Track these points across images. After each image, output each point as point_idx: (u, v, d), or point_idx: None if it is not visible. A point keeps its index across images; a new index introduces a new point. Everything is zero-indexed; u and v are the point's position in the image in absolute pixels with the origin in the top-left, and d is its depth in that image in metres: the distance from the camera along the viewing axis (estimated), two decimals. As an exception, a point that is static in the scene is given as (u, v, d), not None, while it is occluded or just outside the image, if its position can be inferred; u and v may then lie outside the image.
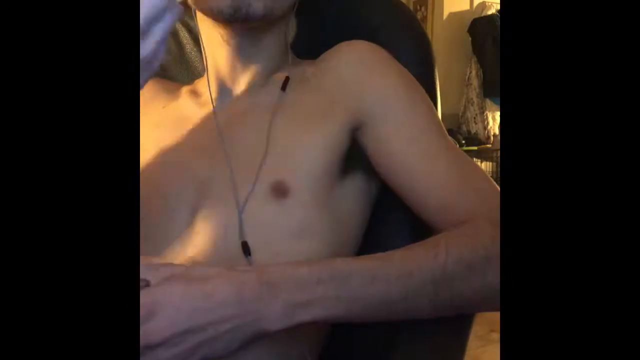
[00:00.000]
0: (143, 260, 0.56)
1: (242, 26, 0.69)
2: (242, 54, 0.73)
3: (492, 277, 0.58)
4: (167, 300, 0.53)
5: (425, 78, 0.77)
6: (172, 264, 0.58)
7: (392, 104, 0.69)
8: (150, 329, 0.52)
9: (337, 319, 0.58)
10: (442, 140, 0.69)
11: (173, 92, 0.79)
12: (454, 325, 0.64)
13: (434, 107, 0.74)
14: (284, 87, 0.72)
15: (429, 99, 0.72)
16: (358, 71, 0.70)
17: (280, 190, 0.64)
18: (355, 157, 0.69)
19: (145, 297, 0.53)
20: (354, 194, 0.70)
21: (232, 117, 0.72)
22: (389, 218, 0.76)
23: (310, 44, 0.81)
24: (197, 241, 0.65)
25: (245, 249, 0.62)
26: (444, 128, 0.71)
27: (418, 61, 0.79)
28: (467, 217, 0.63)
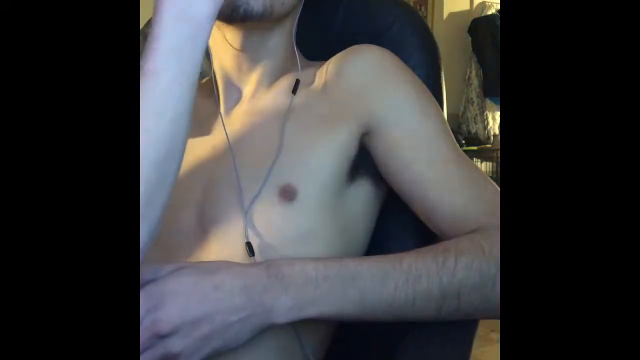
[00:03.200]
0: (147, 266, 0.56)
1: (243, 26, 0.69)
2: (247, 55, 0.73)
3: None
4: (177, 290, 0.54)
5: (431, 80, 0.77)
6: (177, 263, 0.58)
7: (403, 110, 0.68)
8: (159, 318, 0.53)
9: (343, 317, 0.58)
10: (452, 148, 0.68)
11: None
12: (460, 329, 0.63)
13: (443, 114, 0.74)
14: (294, 91, 0.71)
15: (438, 105, 0.72)
16: (369, 76, 0.69)
17: (287, 193, 0.64)
18: (363, 162, 0.69)
19: (155, 288, 0.54)
20: (361, 200, 0.70)
21: (239, 119, 0.72)
22: (395, 223, 0.76)
23: (318, 46, 0.80)
24: (202, 242, 0.65)
25: (250, 249, 0.62)
26: (452, 134, 0.71)
27: (425, 63, 0.79)
28: (478, 226, 0.63)
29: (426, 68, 0.78)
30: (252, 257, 0.62)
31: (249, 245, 0.62)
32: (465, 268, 0.58)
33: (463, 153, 0.69)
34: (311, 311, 0.56)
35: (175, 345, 0.53)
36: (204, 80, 0.82)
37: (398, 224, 0.76)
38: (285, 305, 0.56)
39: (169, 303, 0.53)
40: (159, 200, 0.54)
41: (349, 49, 0.72)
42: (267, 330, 0.57)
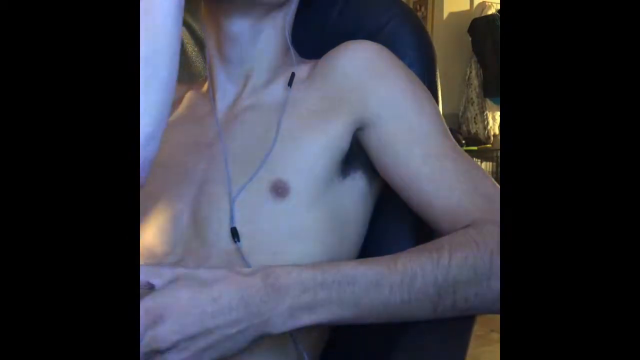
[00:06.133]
0: (144, 266, 0.56)
1: (233, 9, 0.69)
2: (242, 50, 0.73)
3: (496, 280, 0.58)
4: (175, 304, 0.54)
5: (427, 78, 0.77)
6: (173, 267, 0.58)
7: (397, 105, 0.68)
8: (159, 334, 0.53)
9: (340, 322, 0.58)
10: (448, 142, 0.68)
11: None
12: (457, 326, 0.63)
13: (439, 109, 0.74)
14: (290, 83, 0.71)
15: (433, 100, 0.72)
16: (364, 71, 0.69)
17: (280, 189, 0.64)
18: (356, 157, 0.69)
19: (153, 302, 0.54)
20: (354, 195, 0.70)
21: (234, 115, 0.72)
22: (391, 219, 0.76)
23: (313, 44, 0.80)
24: (195, 236, 0.66)
25: (235, 235, 0.62)
26: (448, 130, 0.70)
27: (420, 61, 0.79)
28: (473, 221, 0.63)
29: (421, 66, 0.78)
30: (237, 243, 0.62)
31: (234, 230, 0.62)
32: (459, 264, 0.58)
33: (459, 148, 0.69)
34: (307, 319, 0.56)
35: (174, 359, 0.54)
36: (199, 80, 0.82)
37: (394, 221, 0.76)
38: (282, 316, 0.55)
39: (168, 319, 0.53)
40: (153, 96, 0.54)
41: (343, 44, 0.72)
42: None
